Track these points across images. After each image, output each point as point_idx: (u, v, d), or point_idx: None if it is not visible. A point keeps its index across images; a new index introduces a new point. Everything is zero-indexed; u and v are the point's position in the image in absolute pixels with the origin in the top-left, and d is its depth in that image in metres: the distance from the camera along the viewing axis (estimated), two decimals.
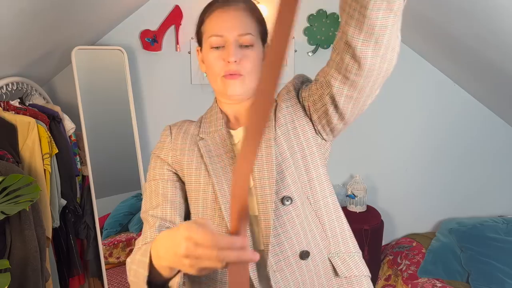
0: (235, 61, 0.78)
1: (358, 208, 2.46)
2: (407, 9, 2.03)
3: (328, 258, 0.82)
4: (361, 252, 0.89)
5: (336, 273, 0.82)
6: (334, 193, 0.87)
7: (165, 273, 0.62)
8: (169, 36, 2.44)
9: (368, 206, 2.51)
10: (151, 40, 2.40)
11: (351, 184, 2.49)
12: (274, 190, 0.77)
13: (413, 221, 2.66)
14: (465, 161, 2.57)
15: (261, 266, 0.78)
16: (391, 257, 2.46)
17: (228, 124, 0.88)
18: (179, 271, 0.63)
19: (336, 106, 0.77)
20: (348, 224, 0.87)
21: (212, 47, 0.81)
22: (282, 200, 0.78)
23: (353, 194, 2.45)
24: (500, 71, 1.86)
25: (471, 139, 2.54)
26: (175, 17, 2.38)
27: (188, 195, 0.85)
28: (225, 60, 0.79)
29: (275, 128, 0.83)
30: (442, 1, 1.61)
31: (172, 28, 2.42)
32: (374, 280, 2.44)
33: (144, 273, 0.62)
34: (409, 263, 2.29)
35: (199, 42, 0.87)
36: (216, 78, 0.82)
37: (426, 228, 2.67)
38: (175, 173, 0.86)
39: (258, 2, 2.33)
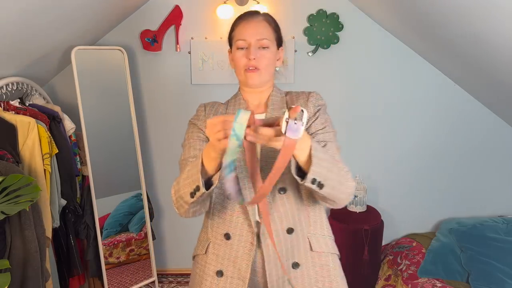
0: (254, 59, 1.06)
1: (358, 208, 2.46)
2: (407, 9, 2.03)
3: (307, 236, 1.09)
4: (333, 237, 1.17)
5: (311, 248, 1.09)
6: None
7: (210, 167, 0.90)
8: (169, 36, 2.44)
9: (368, 206, 2.51)
10: (151, 40, 2.40)
11: None
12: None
13: (413, 221, 2.66)
14: (465, 161, 2.57)
15: (258, 233, 1.07)
16: (391, 257, 2.46)
17: (248, 108, 1.14)
18: (219, 170, 0.91)
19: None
20: (326, 215, 1.16)
21: (238, 48, 1.09)
22: (279, 190, 1.06)
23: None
24: (500, 71, 1.86)
25: (471, 139, 2.54)
26: (175, 17, 2.38)
27: None
28: (247, 58, 1.07)
29: None
30: (441, 1, 1.61)
31: (172, 28, 2.42)
32: (374, 280, 2.44)
33: (198, 166, 0.91)
34: (409, 263, 2.29)
35: (230, 45, 1.16)
36: (240, 71, 1.10)
37: (426, 228, 2.67)
38: (206, 137, 1.13)
39: (258, 2, 2.33)
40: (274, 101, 1.13)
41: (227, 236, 1.08)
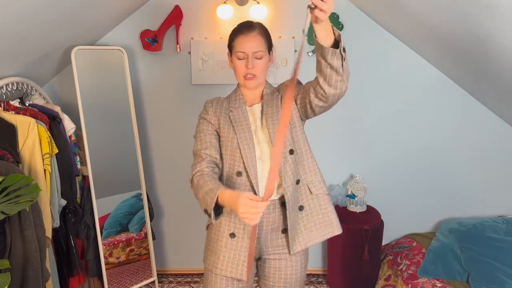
0: (252, 68, 1.32)
1: (358, 208, 2.46)
2: (407, 9, 2.03)
3: (306, 184, 1.40)
4: (324, 181, 1.43)
5: (310, 192, 1.39)
6: (310, 147, 1.43)
7: (223, 204, 1.17)
8: (169, 36, 2.44)
9: (368, 206, 2.51)
10: (151, 40, 2.40)
11: (351, 184, 2.49)
12: (284, 147, 1.35)
13: (413, 221, 2.66)
14: (465, 161, 2.57)
15: (277, 189, 1.35)
16: (391, 257, 2.46)
17: (246, 102, 1.41)
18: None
19: (310, 103, 1.29)
20: (317, 166, 1.43)
21: (238, 58, 1.35)
22: (290, 151, 1.35)
23: (353, 194, 2.45)
24: (500, 71, 1.86)
25: (471, 139, 2.54)
26: (175, 17, 2.38)
27: (221, 142, 1.39)
28: (246, 67, 1.33)
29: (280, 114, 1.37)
30: (441, 1, 1.61)
31: (172, 28, 2.42)
32: (374, 280, 2.44)
33: (212, 203, 1.15)
34: (409, 263, 2.29)
35: (230, 51, 1.40)
36: (240, 77, 1.36)
37: (426, 228, 2.67)
38: (215, 129, 1.39)
39: (258, 3, 2.33)
40: (266, 93, 1.41)
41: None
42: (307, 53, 2.44)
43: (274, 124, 1.34)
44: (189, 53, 2.46)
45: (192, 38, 2.43)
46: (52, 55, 2.17)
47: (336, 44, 1.10)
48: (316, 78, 1.19)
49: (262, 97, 1.40)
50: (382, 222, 2.44)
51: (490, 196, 2.59)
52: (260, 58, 1.33)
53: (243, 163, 1.32)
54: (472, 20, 1.57)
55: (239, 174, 1.33)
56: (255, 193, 1.30)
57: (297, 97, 1.37)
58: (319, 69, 1.16)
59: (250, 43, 1.31)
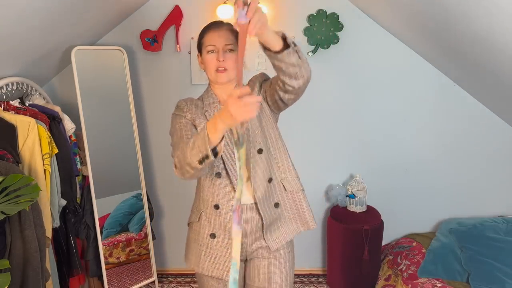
0: (223, 60, 1.29)
1: (358, 208, 2.46)
2: (407, 9, 2.02)
3: (280, 181, 1.40)
4: (298, 177, 1.43)
5: (285, 189, 1.40)
6: (283, 143, 1.41)
7: (214, 138, 1.06)
8: (169, 36, 2.44)
9: (368, 206, 2.51)
10: (151, 40, 2.40)
11: (351, 184, 2.49)
12: (253, 147, 1.34)
13: (413, 221, 2.66)
14: (465, 161, 2.57)
15: (249, 192, 1.34)
16: (391, 257, 2.46)
17: (219, 102, 1.38)
18: (221, 140, 1.09)
19: (281, 99, 1.27)
20: (291, 161, 1.42)
21: (208, 52, 1.32)
22: (258, 151, 1.33)
23: (353, 194, 2.45)
24: (499, 71, 1.86)
25: (471, 139, 2.54)
26: (175, 17, 2.38)
27: None
28: (217, 60, 1.30)
29: None
30: (441, 1, 1.61)
31: (172, 28, 2.42)
32: (374, 280, 2.44)
33: (205, 137, 1.06)
34: (409, 263, 2.29)
35: (199, 50, 1.37)
36: (211, 71, 1.33)
37: (426, 228, 2.67)
38: (193, 124, 1.36)
39: (259, 2, 2.33)
40: None
41: (216, 207, 1.34)
42: (307, 53, 2.44)
43: (253, 120, 1.33)
44: (189, 53, 2.46)
45: (192, 38, 2.43)
46: (52, 55, 2.17)
47: (284, 41, 1.09)
48: (280, 77, 1.17)
49: None
50: (382, 222, 2.43)
51: (490, 196, 2.59)
52: (231, 51, 1.30)
53: (223, 163, 1.32)
54: (472, 20, 1.57)
55: (218, 175, 1.32)
56: (233, 192, 1.31)
57: (266, 94, 1.35)
58: (281, 72, 1.15)
59: (221, 37, 1.30)
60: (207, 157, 1.07)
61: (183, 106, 1.39)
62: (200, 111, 1.38)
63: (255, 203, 1.33)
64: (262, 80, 1.41)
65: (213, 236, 1.35)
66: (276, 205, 1.38)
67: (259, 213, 1.34)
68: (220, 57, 1.29)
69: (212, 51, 1.30)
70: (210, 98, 1.38)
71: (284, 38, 1.08)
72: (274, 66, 1.14)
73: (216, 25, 1.35)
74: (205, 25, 1.38)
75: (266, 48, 1.09)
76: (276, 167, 1.39)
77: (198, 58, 1.40)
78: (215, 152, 1.09)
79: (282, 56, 1.08)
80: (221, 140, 1.08)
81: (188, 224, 1.48)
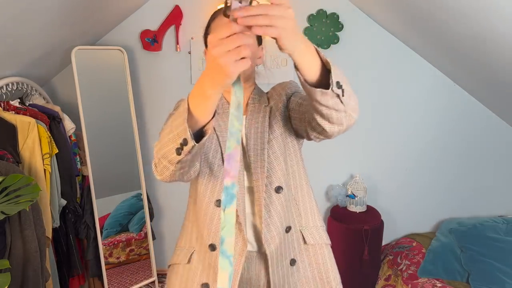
0: None
1: (358, 208, 2.46)
2: (407, 9, 2.02)
3: (300, 230, 1.08)
4: (325, 226, 1.13)
5: (305, 241, 1.07)
6: (308, 180, 1.11)
7: (203, 111, 0.71)
8: (169, 36, 2.44)
9: (368, 206, 2.51)
10: (151, 40, 2.40)
11: (351, 184, 2.48)
12: (264, 183, 0.99)
13: (413, 221, 2.66)
14: (465, 161, 2.57)
15: (257, 239, 1.02)
16: (391, 257, 2.46)
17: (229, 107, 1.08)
18: (213, 116, 0.74)
19: (307, 133, 0.96)
20: (317, 204, 1.12)
21: None
22: (276, 189, 1.00)
23: (353, 194, 2.45)
24: (500, 71, 1.86)
25: (471, 139, 2.53)
26: (175, 17, 2.38)
27: None
28: None
29: (268, 134, 1.03)
30: (442, 1, 1.61)
31: (172, 28, 2.42)
32: (374, 280, 2.44)
33: (184, 113, 0.71)
34: (409, 263, 2.29)
35: (206, 44, 1.03)
36: None
37: (426, 228, 2.67)
38: None
39: (258, 2, 2.33)
40: (253, 99, 1.06)
41: (212, 248, 0.99)
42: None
43: (257, 150, 1.01)
44: (189, 53, 2.46)
45: (192, 38, 2.43)
46: (52, 55, 2.17)
47: (325, 71, 0.74)
48: (310, 110, 0.85)
49: (248, 105, 1.06)
50: (382, 222, 2.43)
51: (490, 196, 2.59)
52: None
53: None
54: (472, 20, 1.57)
55: (219, 203, 0.98)
56: (242, 231, 0.97)
57: (291, 115, 1.02)
58: (310, 104, 0.82)
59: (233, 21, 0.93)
60: (185, 142, 0.72)
61: (185, 104, 1.12)
62: None
63: (259, 251, 1.02)
64: (291, 93, 1.07)
65: (205, 286, 1.02)
66: (292, 262, 1.04)
67: (268, 271, 1.00)
68: None
69: None
70: (219, 103, 1.08)
71: (326, 68, 0.73)
72: (306, 93, 0.80)
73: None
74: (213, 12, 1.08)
75: (296, 68, 0.73)
76: (296, 212, 1.07)
77: (205, 54, 1.04)
78: (199, 136, 0.74)
79: (312, 93, 0.74)
80: (213, 117, 0.74)
81: (169, 266, 1.18)
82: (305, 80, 0.73)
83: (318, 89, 0.72)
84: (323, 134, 0.89)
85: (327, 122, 0.82)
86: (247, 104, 1.07)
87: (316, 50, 0.72)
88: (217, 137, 1.02)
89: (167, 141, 0.76)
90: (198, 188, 1.04)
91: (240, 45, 0.60)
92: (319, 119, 0.83)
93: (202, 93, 0.69)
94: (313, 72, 0.72)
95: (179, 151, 0.74)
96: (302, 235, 1.07)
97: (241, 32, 0.61)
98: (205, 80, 0.67)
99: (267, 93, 1.13)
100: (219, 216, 0.97)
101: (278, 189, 1.00)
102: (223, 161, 0.97)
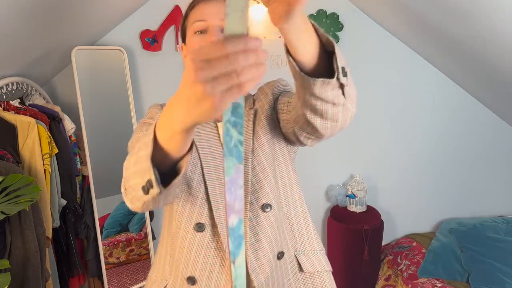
0: None
1: (358, 208, 2.46)
2: (407, 9, 2.03)
3: (295, 255, 0.90)
4: (324, 250, 0.95)
5: (301, 268, 0.89)
6: (302, 196, 0.93)
7: (174, 147, 0.53)
8: (169, 36, 2.44)
9: (368, 206, 2.51)
10: (151, 40, 2.40)
11: (351, 184, 2.49)
12: (248, 199, 0.82)
13: (413, 221, 2.66)
14: (465, 161, 2.57)
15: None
16: (391, 257, 2.46)
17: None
18: (190, 149, 0.57)
19: (295, 134, 0.82)
20: (313, 224, 0.95)
21: (195, 32, 0.83)
22: (263, 207, 0.83)
23: (353, 194, 2.45)
24: (500, 71, 1.86)
25: (471, 139, 2.54)
26: (175, 17, 2.38)
27: None
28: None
29: (253, 140, 0.87)
30: (442, 1, 1.61)
31: (172, 28, 2.42)
32: (374, 280, 2.44)
33: (149, 146, 0.54)
34: (409, 263, 2.29)
35: (183, 38, 0.90)
36: None
37: (426, 228, 2.67)
38: None
39: (258, 3, 2.33)
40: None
41: (192, 281, 0.82)
42: None
43: (257, 154, 0.86)
44: None
45: None
46: (52, 55, 2.17)
47: (326, 55, 0.61)
48: (300, 105, 0.69)
49: None
50: (382, 222, 2.43)
51: (490, 196, 2.59)
52: None
53: (210, 209, 0.82)
54: (473, 20, 1.57)
55: (200, 228, 0.82)
56: (225, 264, 0.80)
57: (280, 117, 0.87)
58: (300, 97, 0.66)
59: (214, 8, 0.82)
60: (150, 184, 0.58)
61: (157, 111, 0.92)
62: None
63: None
64: (279, 93, 0.91)
65: None
66: None
67: None
68: (213, 36, 0.80)
69: (201, 32, 0.82)
70: None
71: (328, 49, 0.60)
72: (295, 84, 0.66)
73: None
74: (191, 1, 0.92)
75: (289, 52, 0.58)
76: (289, 234, 0.89)
77: (181, 51, 0.91)
78: (174, 172, 0.59)
79: (312, 83, 0.59)
80: (188, 151, 0.57)
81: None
82: (299, 68, 0.58)
83: (320, 79, 0.58)
84: (314, 134, 0.74)
85: (319, 117, 0.67)
86: None
87: (314, 26, 0.57)
88: (196, 148, 0.84)
89: (134, 173, 0.61)
90: (173, 207, 0.86)
91: (237, 69, 0.41)
92: (309, 115, 0.68)
93: (173, 126, 0.50)
94: (310, 54, 0.57)
95: (145, 190, 0.59)
96: (298, 262, 0.90)
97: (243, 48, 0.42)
98: (178, 110, 0.47)
99: (253, 95, 0.96)
100: (200, 242, 0.82)
101: (266, 207, 0.83)
102: (203, 175, 0.82)
